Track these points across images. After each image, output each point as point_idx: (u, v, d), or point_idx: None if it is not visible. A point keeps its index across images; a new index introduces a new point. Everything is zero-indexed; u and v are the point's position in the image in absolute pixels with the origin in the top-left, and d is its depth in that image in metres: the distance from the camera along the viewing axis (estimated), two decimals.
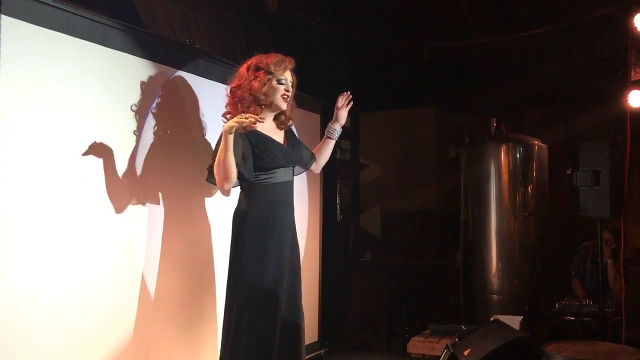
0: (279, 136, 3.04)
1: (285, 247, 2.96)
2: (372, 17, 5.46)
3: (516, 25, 5.24)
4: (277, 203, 2.95)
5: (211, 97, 3.56)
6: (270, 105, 2.96)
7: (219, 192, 3.44)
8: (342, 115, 3.21)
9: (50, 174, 2.59)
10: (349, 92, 3.20)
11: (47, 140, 2.58)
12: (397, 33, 5.52)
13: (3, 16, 2.35)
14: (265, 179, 2.92)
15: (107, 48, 2.88)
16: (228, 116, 2.98)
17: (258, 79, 2.90)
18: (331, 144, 3.32)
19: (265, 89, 2.90)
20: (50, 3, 2.58)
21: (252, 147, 2.87)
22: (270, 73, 2.91)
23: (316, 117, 4.93)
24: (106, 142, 2.87)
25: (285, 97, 2.97)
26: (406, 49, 5.65)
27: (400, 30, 5.52)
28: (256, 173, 2.90)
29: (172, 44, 3.52)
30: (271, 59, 2.93)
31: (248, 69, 2.95)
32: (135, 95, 3.07)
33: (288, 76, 2.98)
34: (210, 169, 2.95)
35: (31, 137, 2.51)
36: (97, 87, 2.83)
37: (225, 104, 3.04)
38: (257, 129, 2.91)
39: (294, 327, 2.95)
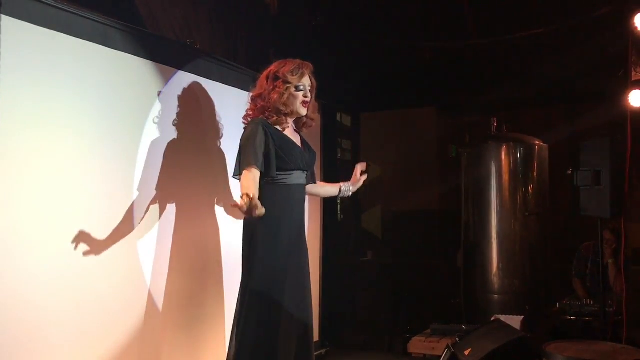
0: (296, 140, 3.09)
1: (296, 248, 2.99)
2: (372, 17, 5.46)
3: (517, 25, 5.24)
4: (291, 204, 2.99)
5: (211, 97, 3.57)
6: (292, 113, 3.01)
7: (224, 192, 3.46)
8: (361, 182, 3.43)
9: (52, 174, 2.60)
10: (365, 162, 3.44)
11: (49, 141, 2.59)
12: (398, 33, 5.52)
13: (4, 16, 2.36)
14: (282, 179, 2.94)
15: (108, 48, 2.89)
16: (249, 119, 3.02)
17: (277, 89, 2.95)
18: (335, 193, 3.47)
19: (284, 99, 2.95)
20: (51, 3, 2.59)
21: (275, 146, 2.91)
22: (287, 82, 2.96)
23: (316, 117, 4.92)
24: (106, 142, 2.88)
25: (305, 103, 3.02)
26: (407, 49, 5.65)
27: (401, 30, 5.52)
28: (276, 172, 2.93)
29: (173, 45, 3.53)
30: (288, 67, 2.98)
31: (267, 78, 3.01)
32: (136, 95, 3.08)
33: (306, 82, 3.02)
34: (239, 168, 2.92)
35: (34, 138, 2.52)
36: (98, 87, 2.84)
37: (247, 109, 3.07)
38: (280, 130, 2.97)
39: (305, 325, 2.97)
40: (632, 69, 4.04)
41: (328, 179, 5.34)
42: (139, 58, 3.10)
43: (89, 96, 2.79)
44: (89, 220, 2.77)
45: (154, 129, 3.17)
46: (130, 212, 2.99)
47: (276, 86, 2.96)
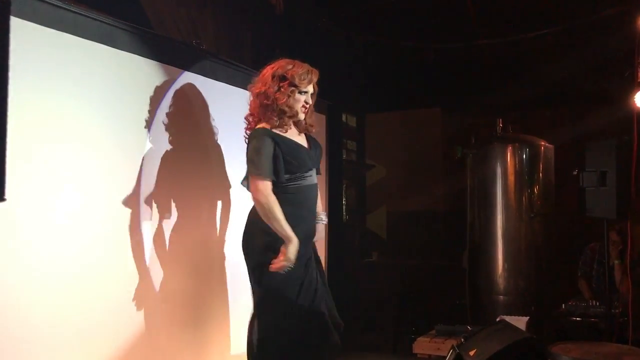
0: (302, 140, 3.10)
1: (310, 249, 3.03)
2: (378, 18, 5.47)
3: (522, 26, 5.24)
4: (304, 207, 3.01)
5: (217, 98, 3.58)
6: (294, 116, 3.01)
7: (227, 194, 3.48)
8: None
9: (58, 175, 2.61)
10: None
11: (55, 141, 2.60)
12: (403, 34, 5.53)
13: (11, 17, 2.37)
14: (294, 182, 2.96)
15: (114, 49, 2.90)
16: (250, 118, 3.04)
17: (282, 90, 2.94)
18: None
19: (289, 101, 2.95)
20: (58, 4, 2.60)
21: (282, 153, 2.91)
22: (294, 85, 2.95)
23: (321, 118, 4.94)
24: (112, 143, 2.89)
25: (305, 108, 3.02)
26: (412, 50, 5.65)
27: (406, 31, 5.53)
28: (286, 176, 2.93)
29: (179, 45, 3.54)
30: (297, 70, 2.96)
31: (273, 76, 2.97)
32: (142, 96, 3.09)
33: (311, 89, 3.04)
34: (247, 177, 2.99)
35: (38, 138, 2.53)
36: (105, 87, 2.85)
37: (249, 106, 3.07)
38: (285, 135, 2.97)
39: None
40: (638, 69, 4.02)
41: (333, 179, 5.36)
42: (145, 59, 3.11)
43: (95, 96, 2.80)
44: (93, 221, 2.78)
45: (160, 129, 3.18)
46: (135, 213, 3.00)
47: (282, 87, 2.94)
